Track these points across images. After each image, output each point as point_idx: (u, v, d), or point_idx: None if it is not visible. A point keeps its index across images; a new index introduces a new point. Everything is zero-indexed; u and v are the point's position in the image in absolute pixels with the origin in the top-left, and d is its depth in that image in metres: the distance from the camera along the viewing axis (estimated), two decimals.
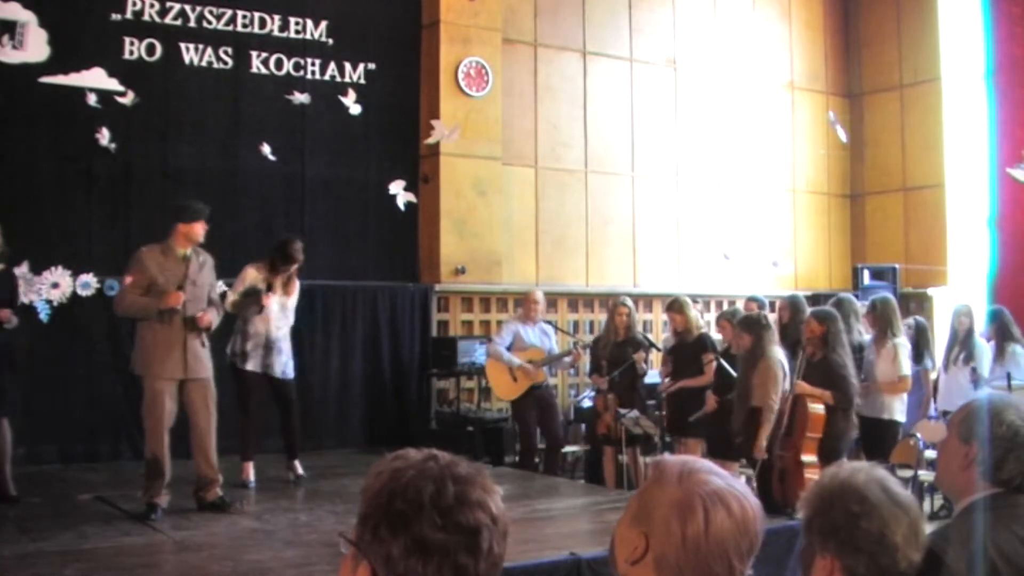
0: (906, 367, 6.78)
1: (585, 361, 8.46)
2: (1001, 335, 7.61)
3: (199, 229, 5.93)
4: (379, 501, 1.38)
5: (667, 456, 1.65)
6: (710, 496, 1.51)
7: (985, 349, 7.74)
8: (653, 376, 8.42)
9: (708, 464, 1.59)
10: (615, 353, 7.80)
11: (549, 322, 8.51)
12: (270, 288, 6.91)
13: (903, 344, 6.85)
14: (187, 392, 5.92)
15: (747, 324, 6.51)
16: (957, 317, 7.97)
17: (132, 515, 5.72)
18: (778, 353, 6.40)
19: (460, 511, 1.35)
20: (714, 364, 7.20)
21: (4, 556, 4.75)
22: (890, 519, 1.80)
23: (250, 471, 6.95)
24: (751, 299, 8.69)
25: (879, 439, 6.72)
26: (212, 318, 6.01)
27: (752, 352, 6.38)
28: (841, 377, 6.14)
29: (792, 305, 7.41)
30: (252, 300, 6.88)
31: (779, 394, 6.24)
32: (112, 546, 5.02)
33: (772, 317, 7.49)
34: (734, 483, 1.56)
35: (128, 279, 5.93)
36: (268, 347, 6.97)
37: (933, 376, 7.99)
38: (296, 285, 7.18)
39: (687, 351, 7.57)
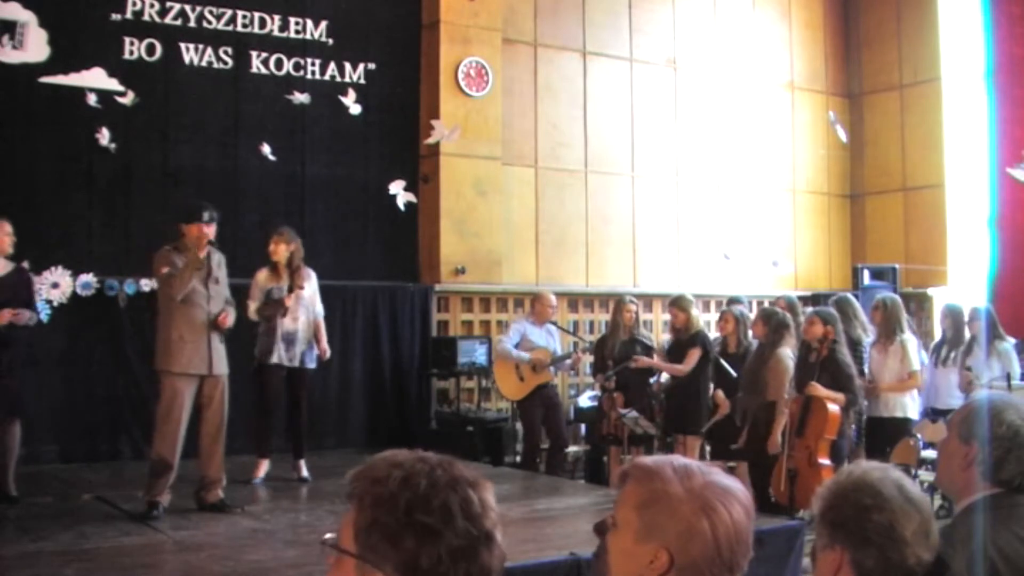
0: (915, 363, 6.79)
1: (586, 363, 8.46)
2: (991, 333, 7.65)
3: (194, 231, 5.80)
4: (394, 511, 1.34)
5: (638, 461, 1.62)
6: (722, 492, 1.53)
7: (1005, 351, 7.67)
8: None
9: (690, 460, 1.60)
10: (621, 352, 7.80)
11: (553, 322, 8.51)
12: (290, 290, 7.00)
13: (910, 340, 6.86)
14: (205, 389, 5.88)
15: (766, 316, 6.62)
16: (944, 318, 8.03)
17: (132, 515, 5.71)
18: (787, 351, 6.48)
19: (485, 516, 1.38)
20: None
21: (4, 556, 4.74)
22: (901, 514, 1.81)
23: (263, 468, 7.01)
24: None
25: (890, 437, 6.71)
26: (231, 319, 5.98)
27: (764, 346, 6.50)
28: (849, 377, 6.22)
29: (790, 306, 7.49)
30: (275, 304, 6.98)
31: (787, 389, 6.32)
32: (112, 546, 5.02)
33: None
34: (723, 476, 1.57)
35: (164, 269, 5.81)
36: (288, 339, 7.06)
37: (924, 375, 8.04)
38: (304, 275, 7.20)
39: (683, 348, 7.60)
